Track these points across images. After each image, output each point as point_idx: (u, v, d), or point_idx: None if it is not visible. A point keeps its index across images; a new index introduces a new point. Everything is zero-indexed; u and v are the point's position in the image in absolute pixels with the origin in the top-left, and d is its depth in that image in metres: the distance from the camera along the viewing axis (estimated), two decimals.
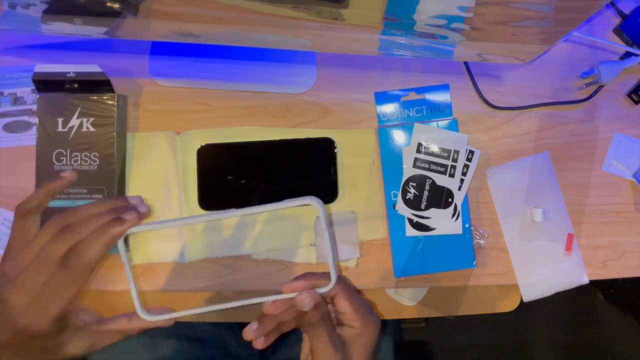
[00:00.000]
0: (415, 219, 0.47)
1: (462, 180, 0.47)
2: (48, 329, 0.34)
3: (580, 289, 0.48)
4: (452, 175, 0.47)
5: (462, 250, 0.47)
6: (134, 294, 0.37)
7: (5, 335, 0.34)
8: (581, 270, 0.48)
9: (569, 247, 0.48)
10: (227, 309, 0.37)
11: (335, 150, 0.47)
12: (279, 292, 0.36)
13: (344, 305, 0.37)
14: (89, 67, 0.44)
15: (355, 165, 0.48)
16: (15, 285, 0.34)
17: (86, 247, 0.34)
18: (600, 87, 0.50)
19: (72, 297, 0.35)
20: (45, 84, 0.45)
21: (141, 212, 0.37)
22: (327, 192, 0.47)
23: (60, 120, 0.45)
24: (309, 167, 0.47)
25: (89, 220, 0.35)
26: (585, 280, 0.48)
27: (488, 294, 0.66)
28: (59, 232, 0.35)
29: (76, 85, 0.45)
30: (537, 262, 0.48)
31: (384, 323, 0.67)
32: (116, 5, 0.35)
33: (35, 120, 0.47)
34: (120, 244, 0.35)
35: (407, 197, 0.47)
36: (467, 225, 0.47)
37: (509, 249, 0.48)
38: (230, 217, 0.40)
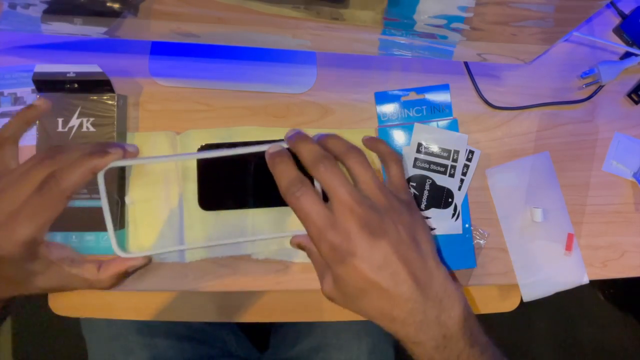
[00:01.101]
0: None
1: (462, 180, 0.47)
2: (16, 254, 0.33)
3: (580, 289, 0.48)
4: (452, 175, 0.47)
5: (462, 250, 0.47)
6: (110, 232, 0.37)
7: None
8: (581, 270, 0.48)
9: (569, 247, 0.48)
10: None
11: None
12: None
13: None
14: (89, 67, 0.44)
15: None
16: None
17: (65, 173, 0.33)
18: (600, 87, 0.50)
19: (44, 223, 0.34)
20: (45, 84, 0.45)
21: (127, 150, 0.37)
22: None
23: (60, 120, 0.45)
24: None
25: (73, 151, 0.35)
26: (585, 280, 0.48)
27: (488, 294, 0.66)
28: (40, 159, 0.34)
29: (76, 85, 0.45)
30: (537, 262, 0.48)
31: None
32: (116, 5, 0.35)
33: None
34: (100, 176, 0.35)
35: None
36: (467, 225, 0.47)
37: (509, 249, 0.48)
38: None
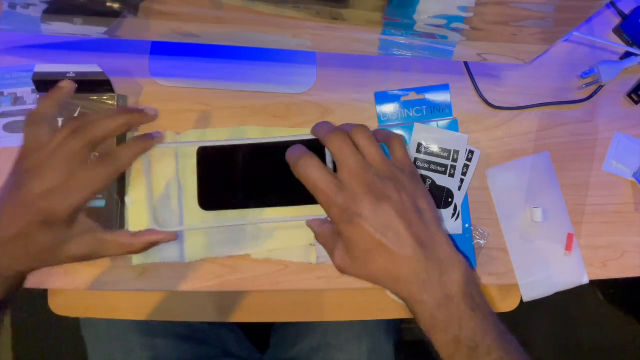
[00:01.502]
0: None
1: (462, 180, 0.47)
2: (66, 217, 0.36)
3: (580, 289, 0.48)
4: (452, 175, 0.47)
5: (462, 250, 0.47)
6: (149, 205, 0.44)
7: (17, 223, 0.35)
8: (581, 270, 0.48)
9: (569, 247, 0.48)
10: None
11: None
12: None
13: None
14: (89, 67, 0.44)
15: None
16: (37, 174, 0.36)
17: (124, 150, 0.39)
18: (600, 87, 0.50)
19: (94, 192, 0.37)
20: (45, 84, 0.45)
21: (159, 134, 0.42)
22: None
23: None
24: None
25: (102, 121, 0.38)
26: (585, 280, 0.48)
27: (488, 294, 0.66)
28: (74, 130, 0.37)
29: (76, 85, 0.45)
30: (537, 262, 0.48)
31: (385, 323, 0.67)
32: (116, 5, 0.35)
33: None
34: (145, 157, 0.43)
35: None
36: (467, 225, 0.47)
37: (509, 249, 0.48)
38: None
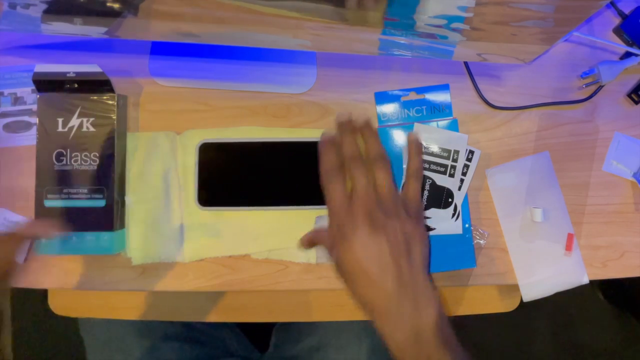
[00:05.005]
0: None
1: (462, 180, 0.47)
2: None
3: (580, 289, 0.48)
4: (452, 175, 0.47)
5: (462, 250, 0.47)
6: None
7: None
8: (581, 270, 0.48)
9: (569, 247, 0.48)
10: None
11: None
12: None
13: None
14: (89, 67, 0.44)
15: None
16: None
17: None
18: (600, 87, 0.50)
19: None
20: (45, 84, 0.45)
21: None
22: None
23: (60, 120, 0.45)
24: (309, 167, 0.47)
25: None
26: (585, 280, 0.48)
27: (488, 294, 0.66)
28: None
29: (76, 85, 0.45)
30: (537, 262, 0.48)
31: None
32: (116, 5, 0.35)
33: (35, 120, 0.47)
34: (196, 149, 0.46)
35: None
36: (467, 225, 0.47)
37: (508, 249, 0.48)
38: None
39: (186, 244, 0.46)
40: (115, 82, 0.45)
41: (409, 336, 0.37)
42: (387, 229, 0.39)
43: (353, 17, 0.36)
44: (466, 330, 1.18)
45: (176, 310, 0.64)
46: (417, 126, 0.47)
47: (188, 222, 0.46)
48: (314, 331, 0.66)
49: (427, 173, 0.47)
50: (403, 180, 0.46)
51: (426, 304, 0.38)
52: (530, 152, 0.49)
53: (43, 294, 0.62)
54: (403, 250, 0.39)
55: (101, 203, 0.45)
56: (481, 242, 0.48)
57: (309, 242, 0.45)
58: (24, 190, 0.46)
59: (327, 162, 0.42)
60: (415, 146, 0.46)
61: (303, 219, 0.47)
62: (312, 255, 0.47)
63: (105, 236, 0.45)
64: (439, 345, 0.37)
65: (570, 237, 0.48)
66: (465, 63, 0.50)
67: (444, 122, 0.48)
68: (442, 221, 0.47)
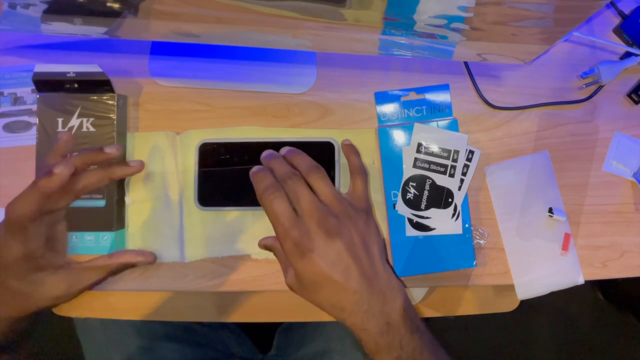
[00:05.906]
0: (415, 219, 0.47)
1: (462, 180, 0.47)
2: (16, 266, 0.39)
3: (580, 289, 0.48)
4: (452, 175, 0.47)
5: (462, 250, 0.47)
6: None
7: None
8: (577, 270, 0.48)
9: (565, 247, 0.48)
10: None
11: (335, 156, 0.47)
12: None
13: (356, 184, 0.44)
14: (89, 67, 0.44)
15: None
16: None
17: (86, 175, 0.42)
18: (600, 87, 0.50)
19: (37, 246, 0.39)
20: (45, 84, 0.45)
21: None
22: None
23: (60, 120, 0.45)
24: None
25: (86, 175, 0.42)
26: (580, 280, 0.48)
27: (488, 294, 0.66)
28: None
29: (76, 85, 0.45)
30: (533, 260, 0.48)
31: None
32: (116, 5, 0.35)
33: (35, 120, 0.47)
34: (196, 149, 0.47)
35: (407, 197, 0.47)
36: (467, 225, 0.47)
37: (505, 247, 0.48)
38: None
39: (186, 244, 0.46)
40: (115, 82, 0.45)
41: (381, 326, 0.38)
42: (341, 232, 0.39)
43: (353, 17, 0.36)
44: (466, 330, 1.19)
45: (176, 311, 0.64)
46: (417, 126, 0.47)
47: (188, 222, 0.47)
48: (318, 336, 0.66)
49: (427, 173, 0.47)
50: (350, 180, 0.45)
51: (392, 293, 0.40)
52: (530, 152, 0.49)
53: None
54: (361, 248, 0.40)
55: (101, 203, 0.45)
56: (481, 242, 0.48)
57: (265, 247, 0.45)
58: None
59: (262, 182, 0.40)
60: (349, 147, 0.46)
61: None
62: None
63: (104, 236, 0.45)
64: (408, 329, 0.39)
65: (567, 237, 0.48)
66: (465, 63, 0.50)
67: (444, 122, 0.48)
68: (442, 221, 0.47)
